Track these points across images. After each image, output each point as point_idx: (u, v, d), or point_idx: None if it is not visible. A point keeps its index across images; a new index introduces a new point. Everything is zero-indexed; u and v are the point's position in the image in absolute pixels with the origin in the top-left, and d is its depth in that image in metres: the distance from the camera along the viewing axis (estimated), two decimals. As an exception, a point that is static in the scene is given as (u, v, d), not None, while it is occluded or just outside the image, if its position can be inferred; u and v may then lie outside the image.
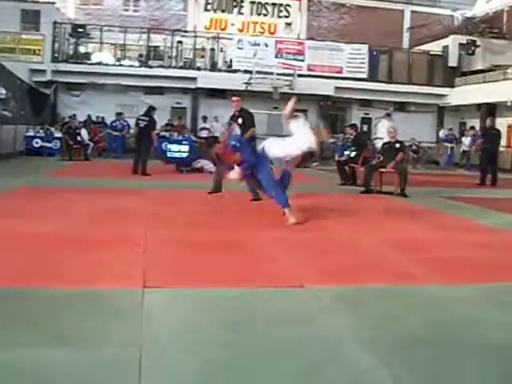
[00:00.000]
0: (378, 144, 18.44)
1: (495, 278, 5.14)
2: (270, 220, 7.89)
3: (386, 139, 14.43)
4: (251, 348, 3.28)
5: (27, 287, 4.24)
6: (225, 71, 25.97)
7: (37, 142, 22.02)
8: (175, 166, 16.79)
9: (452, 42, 28.47)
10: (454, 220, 8.90)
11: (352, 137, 15.54)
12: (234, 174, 8.33)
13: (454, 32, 30.19)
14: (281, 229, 7.26)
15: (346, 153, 15.31)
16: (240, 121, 10.86)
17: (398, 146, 12.60)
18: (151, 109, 15.59)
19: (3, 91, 20.40)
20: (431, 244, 6.71)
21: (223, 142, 8.91)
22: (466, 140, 24.76)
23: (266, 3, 30.89)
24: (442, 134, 26.84)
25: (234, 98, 11.42)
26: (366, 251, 6.15)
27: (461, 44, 28.31)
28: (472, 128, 24.27)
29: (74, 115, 23.35)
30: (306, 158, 8.98)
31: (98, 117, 25.33)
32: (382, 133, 18.45)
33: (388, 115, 20.00)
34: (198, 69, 25.97)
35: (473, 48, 27.93)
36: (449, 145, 25.77)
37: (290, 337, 3.47)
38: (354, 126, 16.49)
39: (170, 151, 17.46)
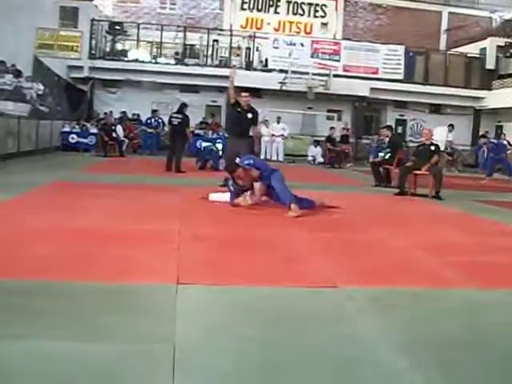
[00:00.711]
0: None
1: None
2: (301, 220, 7.88)
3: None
4: (286, 347, 3.28)
5: (60, 280, 4.29)
6: (260, 70, 25.97)
7: (73, 138, 22.25)
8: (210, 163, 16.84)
9: (490, 44, 28.08)
10: (488, 224, 8.79)
11: (387, 138, 15.45)
12: (257, 190, 8.63)
13: (492, 34, 29.79)
14: (313, 228, 7.25)
15: (381, 154, 15.23)
16: (250, 115, 11.14)
17: (432, 148, 12.49)
18: (184, 106, 15.67)
19: (41, 87, 20.70)
20: (465, 247, 6.64)
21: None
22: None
23: (302, 3, 30.83)
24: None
25: (247, 94, 11.46)
26: (398, 253, 6.11)
27: (499, 46, 27.92)
28: (483, 136, 23.43)
29: (110, 112, 23.57)
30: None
31: (133, 114, 25.54)
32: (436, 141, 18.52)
33: (451, 126, 19.94)
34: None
35: (511, 50, 27.53)
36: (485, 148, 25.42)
37: (324, 336, 3.46)
38: (389, 127, 16.39)
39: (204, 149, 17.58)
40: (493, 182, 17.80)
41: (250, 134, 11.32)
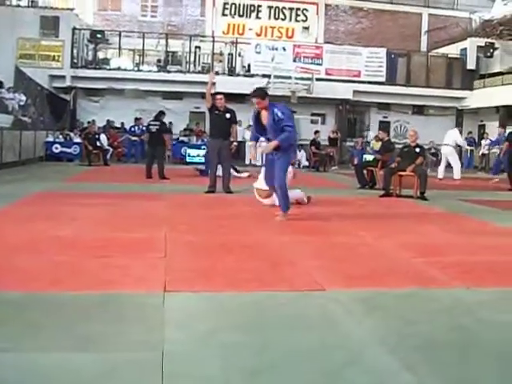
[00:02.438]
0: (443, 150, 18.58)
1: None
2: (288, 224, 7.88)
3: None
4: (274, 352, 3.26)
5: (46, 291, 4.25)
6: (243, 76, 26.04)
7: (56, 148, 22.18)
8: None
9: (470, 44, 28.39)
10: (474, 223, 8.83)
11: (380, 142, 15.60)
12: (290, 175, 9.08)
13: (472, 35, 30.07)
14: (299, 233, 7.25)
15: (369, 157, 15.28)
16: (228, 115, 11.52)
17: (417, 150, 12.54)
18: (161, 113, 15.94)
19: (23, 97, 20.61)
20: (452, 247, 6.65)
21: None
22: (486, 142, 24.65)
23: (284, 7, 30.95)
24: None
25: (220, 96, 11.76)
26: (386, 255, 6.11)
27: (479, 46, 28.23)
28: (470, 133, 23.39)
29: (93, 120, 23.50)
30: None
31: (121, 123, 25.40)
32: (444, 140, 18.60)
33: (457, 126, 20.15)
34: (217, 73, 25.99)
35: (491, 50, 27.80)
36: (468, 148, 25.57)
37: (312, 340, 3.45)
38: (385, 129, 16.66)
39: (189, 156, 17.55)
40: (479, 180, 17.91)
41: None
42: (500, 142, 19.39)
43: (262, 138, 8.54)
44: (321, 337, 3.51)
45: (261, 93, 8.13)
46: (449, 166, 18.43)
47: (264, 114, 8.04)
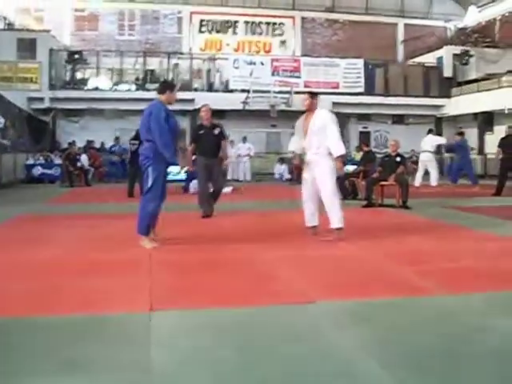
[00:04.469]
0: (422, 157, 18.64)
1: (500, 286, 5.12)
2: (273, 238, 7.89)
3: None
4: (264, 367, 3.25)
5: (30, 315, 4.21)
6: (222, 91, 26.08)
7: (37, 170, 22.06)
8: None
9: (446, 52, 28.67)
10: (455, 230, 8.87)
11: (362, 152, 15.67)
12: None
13: (448, 43, 30.40)
14: (284, 247, 7.24)
15: (349, 168, 15.31)
16: (216, 131, 10.65)
17: (398, 159, 12.61)
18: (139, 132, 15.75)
19: (1, 120, 20.46)
20: (437, 255, 6.69)
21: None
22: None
23: (260, 22, 31.10)
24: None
25: (205, 107, 10.86)
26: (371, 265, 6.13)
27: (455, 54, 28.53)
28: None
29: (74, 141, 23.39)
30: None
31: (91, 142, 25.23)
32: (422, 147, 18.69)
33: (430, 131, 20.07)
34: (196, 90, 26.06)
35: (467, 58, 28.09)
36: (447, 155, 25.68)
37: (302, 353, 3.44)
38: (365, 142, 16.83)
39: (170, 174, 17.47)
40: (461, 187, 18.00)
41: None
42: (457, 149, 19.31)
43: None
44: (310, 350, 3.50)
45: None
46: (425, 174, 18.59)
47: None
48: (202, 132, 10.62)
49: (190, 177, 16.88)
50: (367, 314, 4.27)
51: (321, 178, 7.62)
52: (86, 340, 3.68)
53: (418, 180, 18.38)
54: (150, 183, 7.17)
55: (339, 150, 7.52)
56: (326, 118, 7.67)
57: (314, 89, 25.94)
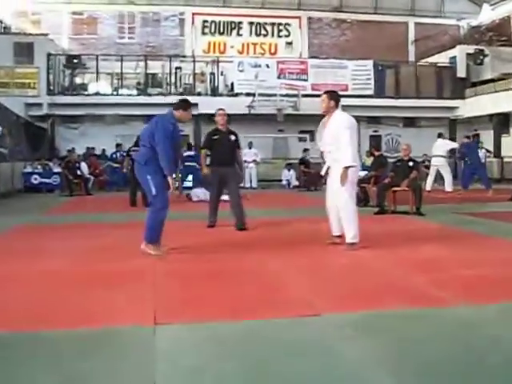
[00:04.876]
0: (434, 161, 18.63)
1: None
2: (280, 247, 7.88)
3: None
4: (272, 382, 3.25)
5: (30, 330, 4.23)
6: (226, 95, 26.09)
7: (35, 179, 22.08)
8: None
9: (459, 52, 28.57)
10: (471, 237, 8.85)
11: (373, 157, 15.66)
12: None
13: (461, 42, 30.33)
14: (292, 256, 7.24)
15: (362, 173, 15.31)
16: (232, 137, 10.25)
17: (411, 164, 12.58)
18: (139, 138, 15.74)
19: (-1, 128, 20.53)
20: (452, 263, 6.67)
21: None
22: (481, 153, 24.66)
23: (265, 23, 31.17)
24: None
25: (222, 111, 10.39)
26: (382, 274, 6.12)
27: (468, 54, 28.41)
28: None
29: (73, 148, 23.43)
30: None
31: (91, 149, 25.29)
32: (433, 152, 18.65)
33: (440, 135, 20.05)
34: (199, 94, 26.05)
35: (481, 57, 28.01)
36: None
37: (310, 368, 3.44)
38: (376, 147, 16.83)
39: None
40: (476, 192, 17.95)
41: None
42: (466, 152, 19.25)
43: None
44: (319, 365, 3.50)
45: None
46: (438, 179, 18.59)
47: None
48: (216, 137, 10.15)
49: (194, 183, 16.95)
50: (378, 327, 4.26)
51: (336, 186, 7.54)
52: (87, 355, 3.69)
53: (429, 184, 18.38)
54: (154, 191, 7.24)
55: (346, 160, 7.31)
56: (341, 123, 7.50)
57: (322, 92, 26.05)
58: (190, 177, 20.31)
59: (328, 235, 7.98)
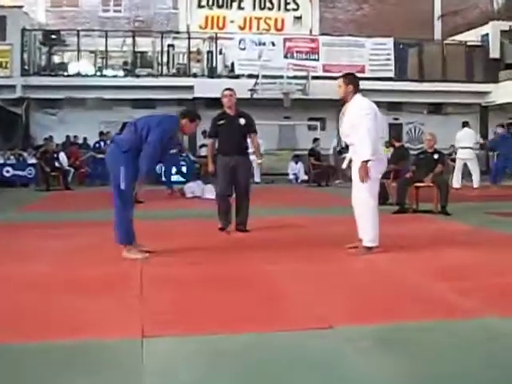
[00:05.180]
0: (461, 154, 18.54)
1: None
2: (286, 250, 7.90)
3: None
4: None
5: (5, 342, 4.24)
6: (226, 77, 25.97)
7: (7, 171, 22.11)
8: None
9: (492, 29, 28.40)
10: (503, 239, 8.87)
11: (393, 149, 15.62)
12: None
13: (494, 18, 30.19)
14: (299, 260, 7.26)
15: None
16: (242, 121, 9.85)
17: (436, 156, 12.55)
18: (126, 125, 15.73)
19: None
20: (480, 269, 6.69)
21: None
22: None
23: (271, -6, 31.04)
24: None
25: (230, 91, 10.00)
26: (402, 282, 6.14)
27: (503, 31, 28.23)
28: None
29: (51, 137, 23.40)
30: None
31: (72, 137, 25.29)
32: (460, 142, 18.57)
33: (466, 124, 19.88)
34: (195, 76, 26.04)
35: (517, 35, 27.92)
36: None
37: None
38: (396, 137, 16.75)
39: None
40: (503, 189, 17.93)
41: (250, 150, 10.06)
42: (500, 143, 19.23)
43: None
44: (329, 381, 3.52)
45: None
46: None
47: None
48: (222, 122, 9.76)
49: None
50: (398, 341, 4.27)
51: (355, 181, 7.56)
52: (71, 369, 3.71)
53: (457, 180, 18.35)
54: (123, 186, 7.39)
55: (362, 154, 7.26)
56: (360, 110, 7.44)
57: (335, 73, 26.02)
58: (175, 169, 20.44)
59: (339, 237, 7.98)
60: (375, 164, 7.42)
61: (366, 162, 7.25)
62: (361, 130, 7.30)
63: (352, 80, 7.79)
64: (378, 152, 7.51)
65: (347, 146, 8.08)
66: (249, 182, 9.96)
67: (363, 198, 7.50)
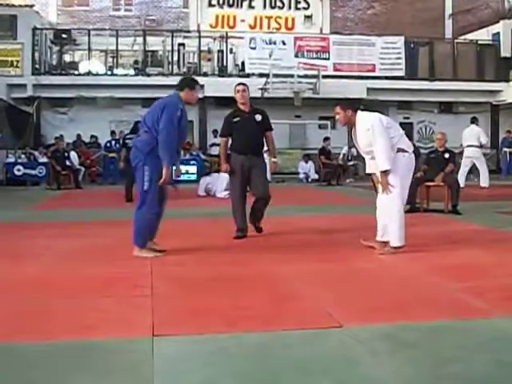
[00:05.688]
0: (468, 152, 18.40)
1: None
2: (297, 250, 7.88)
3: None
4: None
5: (13, 341, 4.24)
6: (236, 76, 25.99)
7: (19, 170, 22.13)
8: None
9: (503, 28, 28.33)
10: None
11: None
12: None
13: (506, 16, 30.09)
14: (310, 259, 7.25)
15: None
16: (258, 117, 9.17)
17: (447, 155, 12.52)
18: (137, 124, 15.67)
19: (-22, 112, 20.63)
20: (493, 270, 6.65)
21: None
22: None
23: (281, -7, 31.01)
24: None
25: (242, 86, 9.37)
26: (411, 281, 6.11)
27: (514, 30, 28.21)
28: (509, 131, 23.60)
29: (61, 136, 23.45)
30: None
31: (92, 136, 25.37)
32: (466, 140, 18.42)
33: (475, 119, 19.68)
34: (205, 75, 26.03)
35: (528, 34, 27.83)
36: (507, 150, 25.39)
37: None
38: (407, 135, 16.62)
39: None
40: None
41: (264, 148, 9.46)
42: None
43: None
44: (340, 383, 3.50)
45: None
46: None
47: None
48: (237, 120, 9.15)
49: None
50: (408, 341, 4.24)
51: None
52: (79, 370, 3.70)
53: (462, 179, 18.25)
54: (145, 186, 7.32)
55: (380, 165, 7.42)
56: (366, 132, 7.53)
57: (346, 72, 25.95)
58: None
59: (352, 236, 7.96)
60: (404, 160, 7.67)
61: (385, 172, 7.37)
62: (378, 147, 7.41)
63: (348, 105, 7.93)
64: (407, 146, 7.81)
65: (357, 156, 8.22)
66: (268, 187, 9.24)
67: (390, 198, 7.53)
